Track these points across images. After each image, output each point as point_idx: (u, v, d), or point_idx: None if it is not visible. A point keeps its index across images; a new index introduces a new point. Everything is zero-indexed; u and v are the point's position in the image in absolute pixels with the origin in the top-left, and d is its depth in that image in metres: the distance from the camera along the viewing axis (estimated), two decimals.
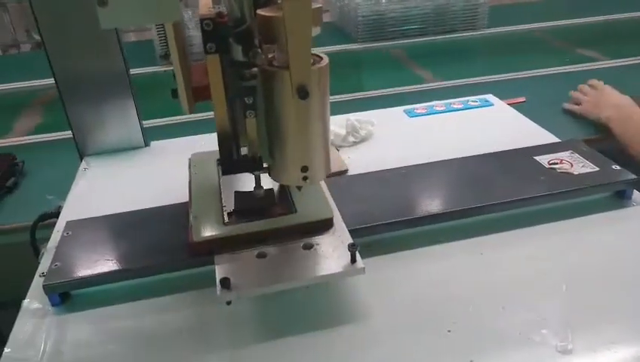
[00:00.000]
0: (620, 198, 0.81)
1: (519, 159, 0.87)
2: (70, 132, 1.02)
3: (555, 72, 1.92)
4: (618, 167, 0.81)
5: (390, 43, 2.28)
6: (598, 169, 0.82)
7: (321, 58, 0.58)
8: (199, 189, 0.74)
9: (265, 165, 0.64)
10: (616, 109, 1.27)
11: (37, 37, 3.44)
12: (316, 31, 0.53)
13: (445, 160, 0.89)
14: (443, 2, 2.37)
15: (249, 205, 0.69)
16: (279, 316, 0.64)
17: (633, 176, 0.79)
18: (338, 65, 2.13)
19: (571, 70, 1.92)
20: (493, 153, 0.90)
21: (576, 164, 0.83)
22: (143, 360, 0.59)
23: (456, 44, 2.30)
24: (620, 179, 0.79)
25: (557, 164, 0.84)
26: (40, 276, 0.70)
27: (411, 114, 1.13)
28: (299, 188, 0.67)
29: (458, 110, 1.14)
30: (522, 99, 1.66)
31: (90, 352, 0.61)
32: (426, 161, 0.89)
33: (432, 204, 0.76)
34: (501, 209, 0.77)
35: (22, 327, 0.63)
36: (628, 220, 0.77)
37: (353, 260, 0.59)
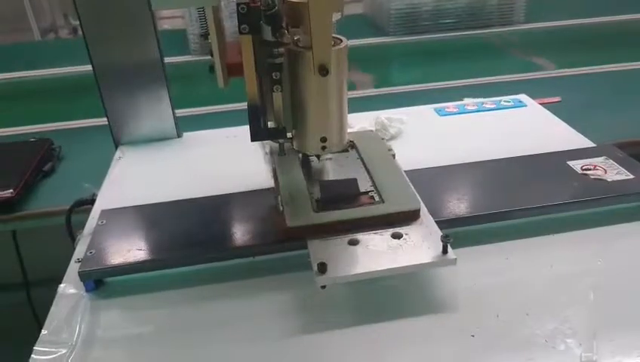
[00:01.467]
0: None
1: (552, 163, 0.85)
2: (106, 119, 1.05)
3: (592, 71, 1.87)
4: None
5: (423, 37, 2.26)
6: (632, 176, 0.80)
7: (341, 40, 0.66)
8: (286, 178, 0.77)
9: (289, 135, 0.71)
10: None
11: (74, 22, 3.51)
12: (337, 16, 0.61)
13: (476, 161, 0.88)
14: None
15: (336, 194, 0.73)
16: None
17: None
18: (368, 58, 2.14)
19: (610, 70, 1.87)
20: (526, 156, 0.89)
21: (610, 171, 0.82)
22: (175, 345, 0.62)
23: (491, 39, 2.26)
24: None
25: (590, 169, 0.82)
26: (76, 262, 0.73)
27: (442, 113, 1.12)
28: (318, 156, 0.76)
29: (490, 110, 1.13)
30: (557, 99, 1.62)
31: (123, 335, 0.63)
32: (457, 162, 0.89)
33: (460, 207, 0.76)
34: (531, 214, 0.76)
35: (58, 311, 0.66)
36: None
37: (445, 251, 0.62)
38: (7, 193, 1.16)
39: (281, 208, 0.71)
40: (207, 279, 0.71)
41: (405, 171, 0.87)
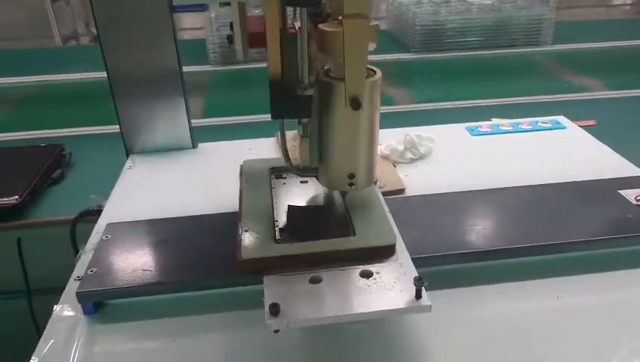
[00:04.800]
0: None
1: (601, 192, 0.78)
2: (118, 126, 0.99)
3: (628, 95, 1.79)
4: None
5: (446, 55, 2.20)
6: None
7: (375, 72, 0.61)
8: (251, 201, 0.69)
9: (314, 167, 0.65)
10: None
11: (95, 30, 3.53)
12: (372, 46, 0.56)
13: (514, 186, 0.80)
14: (506, 15, 2.27)
15: (303, 222, 0.65)
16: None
17: None
18: (390, 74, 2.08)
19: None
20: (570, 183, 0.81)
21: None
22: None
23: (517, 59, 2.19)
24: None
25: None
26: (75, 280, 0.66)
27: (474, 132, 1.05)
28: (343, 193, 0.67)
29: (526, 131, 1.05)
30: (592, 122, 1.55)
31: None
32: (490, 186, 0.81)
33: (499, 237, 0.69)
34: (581, 248, 0.68)
35: (52, 335, 0.59)
36: None
37: (419, 296, 0.53)
38: (13, 199, 1.11)
39: (239, 237, 0.62)
40: (218, 305, 0.63)
41: (436, 195, 0.80)
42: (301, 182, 0.75)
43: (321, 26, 0.58)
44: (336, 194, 0.70)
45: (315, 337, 0.59)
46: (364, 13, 0.53)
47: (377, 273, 0.57)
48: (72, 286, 0.65)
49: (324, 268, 0.58)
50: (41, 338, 0.59)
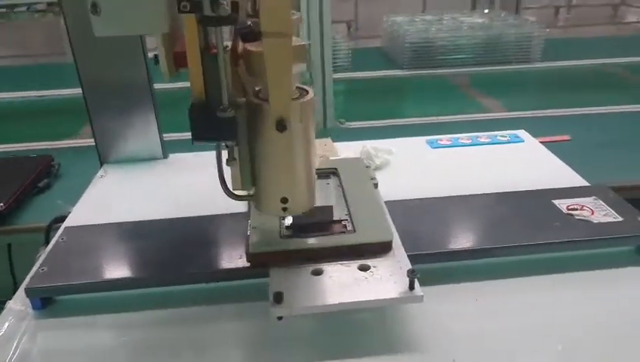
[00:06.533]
0: None
1: (536, 201, 0.81)
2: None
3: (605, 111, 1.81)
4: None
5: (436, 71, 2.24)
6: (621, 219, 0.75)
7: (307, 92, 0.60)
8: None
9: (251, 193, 0.64)
10: None
11: None
12: (300, 67, 0.57)
13: (460, 195, 0.84)
14: (495, 33, 2.31)
15: (307, 219, 0.69)
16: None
17: None
18: (380, 90, 2.13)
19: (625, 110, 1.81)
20: (511, 193, 0.84)
21: (598, 212, 0.76)
22: None
23: (506, 76, 2.23)
24: None
25: (576, 210, 0.77)
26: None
27: (434, 145, 1.09)
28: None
29: (485, 144, 1.09)
30: (567, 137, 1.58)
31: (61, 357, 0.60)
32: (442, 196, 0.85)
33: (437, 242, 0.72)
34: (506, 253, 0.71)
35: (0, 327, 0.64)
36: None
37: (412, 287, 0.58)
38: None
39: (248, 233, 0.69)
40: (163, 303, 0.68)
41: (387, 201, 0.84)
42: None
43: (247, 45, 0.57)
44: (339, 194, 0.76)
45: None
46: (283, 31, 0.53)
47: (375, 267, 0.62)
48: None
49: (325, 261, 0.63)
50: None
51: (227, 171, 0.63)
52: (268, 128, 0.57)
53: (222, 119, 0.56)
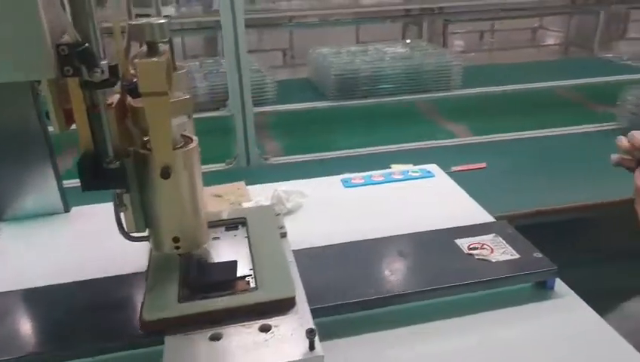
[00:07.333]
0: (542, 289, 0.75)
1: (440, 241, 0.82)
2: None
3: (522, 136, 1.90)
4: (540, 255, 0.76)
5: (361, 102, 2.28)
6: (518, 256, 0.77)
7: (192, 140, 0.65)
8: (159, 259, 0.72)
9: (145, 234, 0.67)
10: None
11: None
12: (182, 119, 0.62)
13: (365, 240, 0.84)
14: (416, 63, 2.39)
15: (210, 279, 0.68)
16: None
17: (553, 266, 0.74)
18: (308, 122, 2.14)
19: (538, 135, 1.90)
20: (416, 233, 0.85)
21: (497, 250, 0.78)
22: None
23: (428, 104, 2.30)
24: (540, 268, 0.74)
25: (477, 249, 0.79)
26: None
27: (347, 184, 1.09)
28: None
29: (397, 181, 1.10)
30: (483, 165, 1.63)
31: None
32: (353, 239, 0.84)
33: (337, 293, 0.71)
34: (408, 300, 0.71)
35: None
36: (547, 315, 0.71)
37: (312, 347, 0.56)
38: None
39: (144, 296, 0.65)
40: None
41: (295, 250, 0.82)
42: (214, 238, 0.78)
43: (132, 101, 0.62)
44: (246, 249, 0.75)
45: None
46: (160, 90, 0.57)
47: (276, 326, 0.60)
48: None
49: (226, 324, 0.61)
50: None
51: None
52: (155, 176, 0.61)
53: (109, 170, 0.61)
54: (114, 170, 0.61)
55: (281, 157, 1.76)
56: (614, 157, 0.80)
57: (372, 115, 2.21)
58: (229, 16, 1.51)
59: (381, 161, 1.46)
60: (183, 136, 0.65)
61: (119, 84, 0.60)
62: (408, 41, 2.86)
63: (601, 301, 1.00)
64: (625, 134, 0.79)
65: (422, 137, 1.88)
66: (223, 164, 1.65)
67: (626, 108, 1.83)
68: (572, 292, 0.75)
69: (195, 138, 0.65)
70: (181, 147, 0.63)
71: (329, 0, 4.39)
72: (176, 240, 0.65)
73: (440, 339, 0.68)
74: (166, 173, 0.60)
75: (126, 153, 0.62)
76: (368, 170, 1.15)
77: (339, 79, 2.30)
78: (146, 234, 0.67)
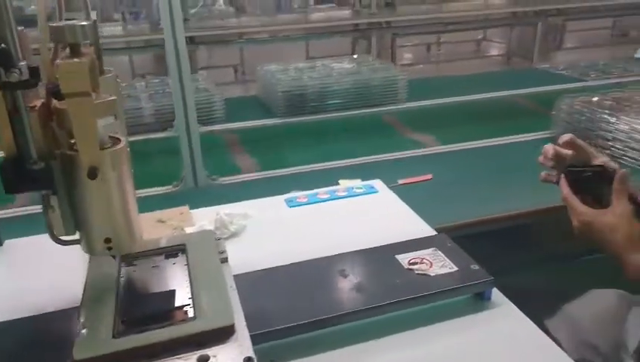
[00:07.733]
0: (479, 299, 0.77)
1: (382, 258, 0.83)
2: None
3: (469, 146, 1.94)
4: (477, 267, 0.78)
5: (310, 118, 2.29)
6: (456, 269, 0.78)
7: (120, 140, 0.64)
8: (92, 292, 0.69)
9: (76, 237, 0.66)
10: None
11: None
12: (108, 120, 0.62)
13: (308, 260, 0.84)
14: (364, 78, 2.42)
15: (145, 310, 0.66)
16: None
17: (490, 277, 0.76)
18: (258, 139, 2.13)
19: (483, 145, 1.96)
20: (359, 251, 0.86)
21: (436, 264, 0.80)
22: None
23: (375, 118, 2.33)
24: (477, 280, 0.76)
25: (416, 264, 0.80)
26: None
27: (291, 203, 1.09)
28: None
29: (341, 198, 1.11)
30: (429, 176, 1.66)
31: None
32: (297, 260, 0.84)
33: (280, 317, 0.70)
34: (352, 319, 0.72)
35: None
36: (485, 325, 0.73)
37: None
38: None
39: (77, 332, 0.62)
40: None
41: (237, 275, 0.81)
42: (152, 266, 0.76)
43: (57, 103, 0.61)
44: (184, 275, 0.73)
45: None
46: (83, 91, 0.57)
47: (214, 356, 0.58)
48: None
49: (164, 357, 0.59)
50: None
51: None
52: (82, 177, 0.61)
53: (33, 171, 0.61)
54: (38, 171, 0.61)
55: (230, 177, 1.74)
56: (541, 175, 0.87)
57: (322, 130, 2.22)
58: (170, 33, 1.49)
59: (330, 177, 1.48)
60: (111, 137, 0.64)
61: (45, 87, 0.61)
62: (355, 56, 2.91)
63: (545, 302, 1.04)
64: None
65: (372, 151, 1.90)
66: (170, 187, 1.62)
67: (560, 116, 1.92)
68: (507, 300, 0.77)
69: (123, 139, 0.64)
70: (109, 147, 0.62)
71: (279, 16, 4.43)
72: (107, 241, 0.65)
73: (382, 357, 0.68)
74: (93, 174, 0.60)
75: (52, 155, 0.62)
76: (318, 187, 1.15)
77: (286, 96, 2.31)
78: (77, 237, 0.67)
